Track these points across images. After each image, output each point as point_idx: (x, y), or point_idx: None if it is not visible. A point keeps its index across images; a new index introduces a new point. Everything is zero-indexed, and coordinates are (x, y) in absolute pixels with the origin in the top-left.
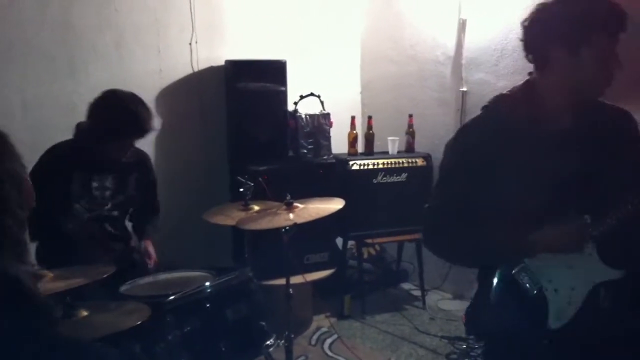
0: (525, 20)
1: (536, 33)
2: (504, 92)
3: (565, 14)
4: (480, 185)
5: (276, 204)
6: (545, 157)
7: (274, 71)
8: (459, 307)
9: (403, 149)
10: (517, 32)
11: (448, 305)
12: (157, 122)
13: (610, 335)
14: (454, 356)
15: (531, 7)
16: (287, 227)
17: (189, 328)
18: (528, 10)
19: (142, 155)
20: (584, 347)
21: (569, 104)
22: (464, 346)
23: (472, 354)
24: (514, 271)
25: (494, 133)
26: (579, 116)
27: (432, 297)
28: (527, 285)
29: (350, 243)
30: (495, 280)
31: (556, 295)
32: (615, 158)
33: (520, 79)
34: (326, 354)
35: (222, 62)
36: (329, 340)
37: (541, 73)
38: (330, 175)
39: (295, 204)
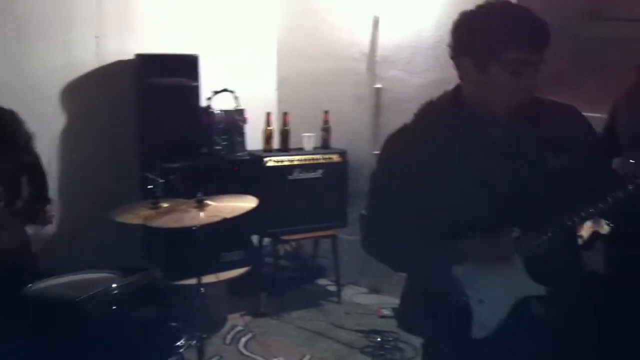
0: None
1: (453, 41)
2: (433, 98)
3: (476, 25)
4: (410, 194)
5: (187, 201)
6: (475, 168)
7: (186, 66)
8: (374, 301)
9: (319, 145)
10: (429, 30)
11: (363, 299)
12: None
13: (535, 349)
14: (369, 349)
15: (446, 5)
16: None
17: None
18: (441, 9)
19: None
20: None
21: (491, 114)
22: (379, 339)
23: (386, 346)
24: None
25: (423, 142)
26: (511, 122)
27: (348, 292)
28: (453, 293)
29: (267, 240)
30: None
31: (480, 306)
32: (554, 167)
33: (433, 76)
34: (241, 352)
35: (131, 56)
36: (244, 339)
37: (461, 82)
38: (244, 172)
39: (207, 202)
